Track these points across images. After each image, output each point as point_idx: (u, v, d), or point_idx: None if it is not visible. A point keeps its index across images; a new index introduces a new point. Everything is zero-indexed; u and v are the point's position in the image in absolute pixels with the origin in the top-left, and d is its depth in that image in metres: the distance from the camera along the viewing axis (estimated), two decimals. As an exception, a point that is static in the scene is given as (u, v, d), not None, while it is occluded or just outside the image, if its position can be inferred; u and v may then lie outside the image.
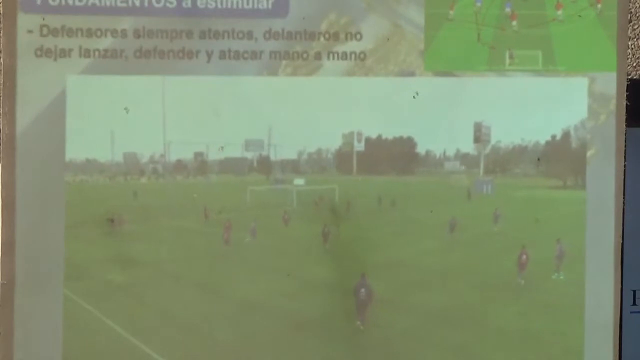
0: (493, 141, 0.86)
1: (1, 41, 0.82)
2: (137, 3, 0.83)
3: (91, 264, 0.83)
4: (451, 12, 0.85)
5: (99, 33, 0.83)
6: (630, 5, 1.24)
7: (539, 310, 0.86)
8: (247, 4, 0.84)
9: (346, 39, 0.85)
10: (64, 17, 0.82)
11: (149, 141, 0.84)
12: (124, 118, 0.83)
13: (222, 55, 0.84)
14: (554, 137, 0.85)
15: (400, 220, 0.86)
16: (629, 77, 1.04)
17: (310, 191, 0.86)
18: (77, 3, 0.83)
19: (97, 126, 0.83)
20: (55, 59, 0.82)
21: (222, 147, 0.84)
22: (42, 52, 0.82)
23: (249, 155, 0.85)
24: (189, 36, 0.83)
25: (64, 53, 0.82)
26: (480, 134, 0.85)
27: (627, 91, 0.86)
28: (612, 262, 0.86)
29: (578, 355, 0.86)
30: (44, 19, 0.82)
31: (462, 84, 0.85)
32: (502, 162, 0.86)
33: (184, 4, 0.83)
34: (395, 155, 0.86)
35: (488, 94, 0.86)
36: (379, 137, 0.85)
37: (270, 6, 0.84)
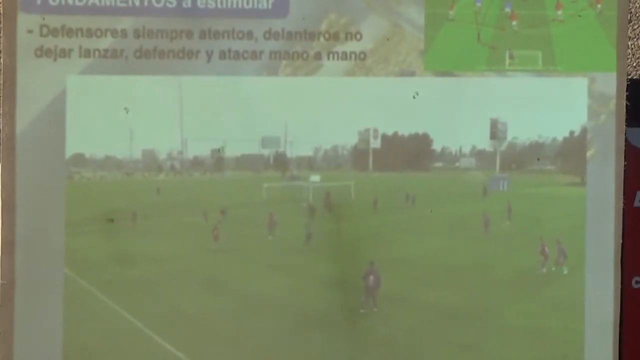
0: (510, 137, 0.86)
1: (1, 41, 0.82)
2: (137, 3, 0.83)
3: (91, 263, 0.83)
4: (451, 12, 0.86)
5: (99, 33, 0.83)
6: (630, 5, 1.24)
7: (550, 307, 0.86)
8: (247, 4, 0.84)
9: (346, 39, 0.85)
10: (64, 17, 0.82)
11: (151, 140, 0.84)
12: (124, 118, 0.83)
13: (222, 55, 0.84)
14: (572, 133, 0.85)
15: (417, 217, 0.86)
16: (629, 77, 1.04)
17: (326, 187, 0.86)
18: (77, 3, 0.83)
19: (97, 126, 0.83)
20: (55, 59, 0.82)
21: (222, 148, 0.84)
22: (42, 52, 0.82)
23: (266, 152, 0.86)
24: (189, 36, 0.83)
25: (64, 53, 0.82)
26: (496, 131, 0.85)
27: (627, 91, 0.86)
28: (612, 261, 0.86)
29: (578, 354, 0.86)
30: (44, 19, 0.82)
31: (462, 84, 0.86)
32: (519, 158, 0.86)
33: (184, 4, 0.83)
34: (411, 152, 0.86)
35: (488, 93, 0.86)
36: (395, 133, 0.85)
37: (270, 6, 0.84)
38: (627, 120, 0.86)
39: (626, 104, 0.86)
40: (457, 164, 0.86)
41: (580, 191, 0.86)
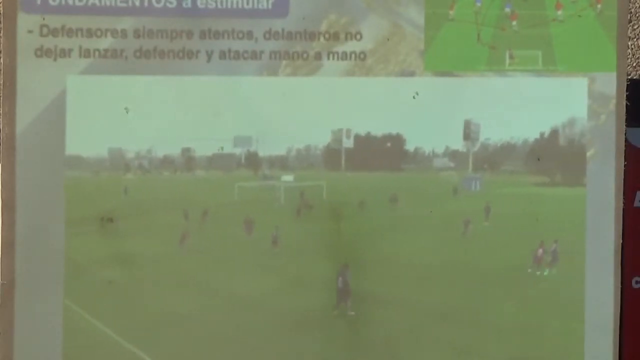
0: (482, 138, 0.86)
1: (1, 41, 0.82)
2: (137, 3, 0.83)
3: (91, 263, 0.83)
4: (451, 12, 0.86)
5: (99, 33, 0.83)
6: (630, 5, 1.24)
7: (535, 306, 0.86)
8: (247, 4, 0.84)
9: (346, 39, 0.85)
10: (64, 17, 0.82)
11: (148, 140, 0.84)
12: (124, 118, 0.83)
13: (222, 55, 0.84)
14: (542, 134, 0.85)
15: (393, 217, 0.86)
16: (629, 77, 1.04)
17: (298, 187, 0.86)
18: (77, 3, 0.83)
19: (97, 126, 0.83)
20: (55, 59, 0.82)
21: (222, 148, 0.84)
22: (42, 52, 0.82)
23: (237, 151, 0.85)
24: (189, 36, 0.83)
25: (64, 53, 0.82)
26: (469, 132, 0.85)
27: (627, 91, 0.86)
28: (612, 261, 0.86)
29: (578, 354, 0.86)
30: (44, 19, 0.82)
31: (463, 84, 0.86)
32: (491, 159, 0.86)
33: (184, 4, 0.83)
34: (383, 152, 0.86)
35: (487, 93, 0.86)
36: (368, 134, 0.85)
37: (270, 6, 0.84)
38: (627, 120, 0.86)
39: (626, 104, 0.86)
40: (430, 164, 0.86)
41: (558, 191, 0.86)
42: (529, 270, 0.86)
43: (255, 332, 0.85)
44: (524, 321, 0.86)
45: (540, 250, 0.86)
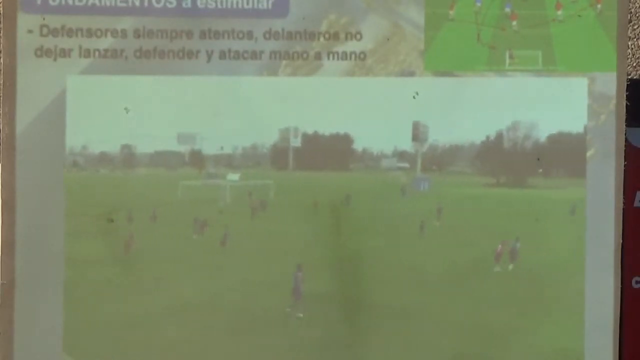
0: (430, 140, 0.86)
1: (1, 41, 0.82)
2: (137, 3, 0.83)
3: (91, 263, 0.83)
4: (451, 12, 0.86)
5: (99, 33, 0.83)
6: (630, 5, 1.24)
7: (497, 303, 0.86)
8: (247, 4, 0.84)
9: (346, 39, 0.85)
10: (64, 17, 0.82)
11: (152, 139, 0.84)
12: (124, 118, 0.83)
13: (222, 55, 0.84)
14: (488, 137, 0.86)
15: (343, 217, 0.86)
16: (629, 77, 1.04)
17: (245, 186, 0.85)
18: (77, 3, 0.83)
19: (97, 126, 0.83)
20: (55, 59, 0.82)
21: (222, 147, 0.84)
22: (42, 52, 0.82)
23: (181, 148, 0.84)
24: (189, 36, 0.83)
25: (64, 53, 0.82)
26: (418, 133, 0.85)
27: (627, 91, 0.86)
28: (612, 262, 0.86)
29: (578, 355, 0.86)
30: (44, 19, 0.82)
31: (463, 84, 0.86)
32: (439, 160, 0.86)
33: (184, 4, 0.83)
34: (331, 152, 0.86)
35: (487, 93, 0.86)
36: (316, 133, 0.85)
37: (270, 6, 0.84)
38: (627, 120, 0.86)
39: (626, 104, 0.86)
40: (378, 165, 0.86)
41: (506, 191, 0.86)
42: (491, 268, 0.86)
43: (207, 334, 0.84)
44: (486, 318, 0.86)
45: (500, 247, 0.86)
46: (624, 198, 0.86)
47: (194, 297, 0.84)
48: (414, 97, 0.85)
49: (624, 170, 0.86)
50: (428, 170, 0.86)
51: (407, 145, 0.86)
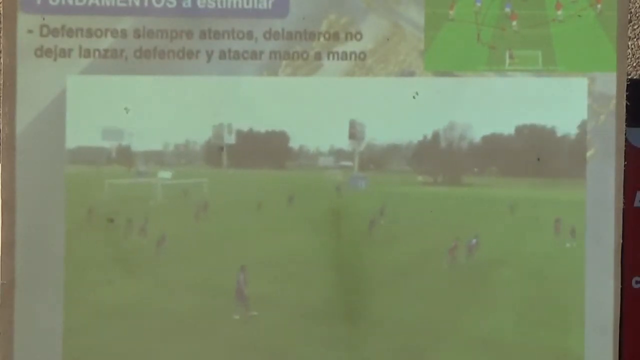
0: (368, 138, 0.85)
1: (1, 41, 0.82)
2: (137, 3, 0.83)
3: (91, 263, 0.83)
4: (451, 12, 0.86)
5: (99, 33, 0.83)
6: (630, 5, 1.24)
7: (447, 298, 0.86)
8: (247, 4, 0.84)
9: (346, 39, 0.85)
10: (64, 17, 0.82)
11: (152, 139, 0.84)
12: (124, 118, 0.83)
13: (222, 55, 0.84)
14: (425, 136, 0.86)
15: (283, 216, 0.85)
16: (629, 77, 1.04)
17: (177, 185, 0.84)
18: (77, 3, 0.83)
19: (97, 126, 0.83)
20: (55, 59, 0.82)
21: (222, 148, 0.84)
22: (42, 52, 0.82)
23: (107, 144, 0.83)
24: (189, 36, 0.83)
25: (64, 53, 0.82)
26: (354, 131, 0.85)
27: (627, 91, 0.86)
28: (612, 262, 0.86)
29: (578, 355, 0.86)
30: (44, 19, 0.82)
31: (463, 84, 0.86)
32: (377, 158, 0.86)
33: (184, 4, 0.83)
34: (267, 149, 0.85)
35: (486, 93, 0.86)
36: (250, 130, 0.84)
37: (270, 6, 0.84)
38: (627, 120, 0.86)
39: (626, 104, 0.86)
40: (315, 163, 0.85)
41: (446, 190, 0.87)
42: (445, 264, 0.86)
43: (153, 337, 0.83)
44: (434, 315, 0.86)
45: (454, 243, 0.86)
46: (624, 198, 0.86)
47: (132, 300, 0.83)
48: (414, 97, 0.85)
49: (624, 170, 0.86)
50: (366, 168, 0.86)
51: (344, 143, 0.85)
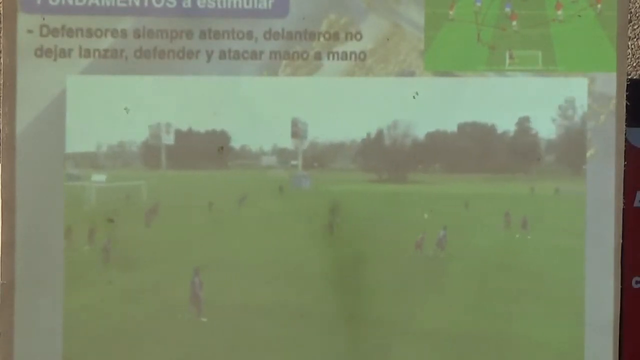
0: (310, 137, 0.85)
1: (1, 41, 0.82)
2: (137, 3, 0.83)
3: (91, 263, 0.83)
4: (451, 12, 0.86)
5: (99, 33, 0.83)
6: (630, 5, 1.24)
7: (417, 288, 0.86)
8: (247, 4, 0.84)
9: (346, 39, 0.85)
10: (64, 17, 0.82)
11: (151, 139, 0.84)
12: (124, 118, 0.83)
13: (222, 55, 0.84)
14: (369, 134, 0.85)
15: (232, 218, 0.84)
16: (629, 77, 1.04)
17: (114, 188, 0.83)
18: (77, 3, 0.83)
19: (97, 126, 0.83)
20: (55, 59, 0.82)
21: (222, 148, 0.84)
22: (42, 52, 0.82)
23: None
24: (189, 36, 0.83)
25: (64, 53, 0.82)
26: (297, 130, 0.85)
27: (627, 91, 0.86)
28: (612, 262, 0.86)
29: (578, 355, 0.86)
30: (44, 19, 0.82)
31: (462, 84, 0.86)
32: (320, 157, 0.86)
33: (184, 4, 0.83)
34: (208, 149, 0.84)
35: (488, 93, 0.86)
36: (190, 130, 0.83)
37: (270, 6, 0.84)
38: (627, 120, 0.86)
39: (626, 104, 0.86)
40: (258, 163, 0.84)
41: (389, 187, 0.87)
42: (412, 258, 0.86)
43: (99, 342, 0.83)
44: (395, 309, 0.86)
45: (421, 237, 0.86)
46: (624, 198, 0.86)
47: (89, 304, 0.83)
48: (413, 97, 0.85)
49: (624, 170, 0.86)
50: (309, 167, 0.86)
51: (287, 142, 0.85)
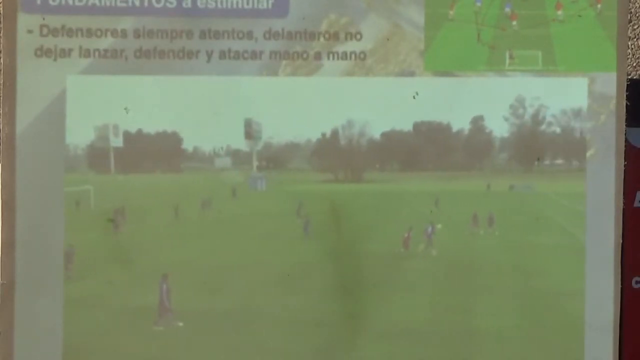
0: (265, 137, 0.84)
1: (1, 41, 0.82)
2: (137, 3, 0.83)
3: (91, 263, 0.83)
4: (451, 12, 0.86)
5: (99, 33, 0.83)
6: (630, 5, 1.24)
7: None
8: (247, 4, 0.84)
9: (346, 39, 0.85)
10: (64, 17, 0.82)
11: (151, 139, 0.84)
12: (124, 118, 0.83)
13: (222, 55, 0.84)
14: (324, 134, 0.85)
15: (195, 222, 0.84)
16: (629, 77, 1.04)
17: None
18: (77, 3, 0.83)
19: (97, 126, 0.83)
20: (55, 59, 0.82)
21: (222, 148, 0.84)
22: (42, 52, 0.82)
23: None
24: (189, 36, 0.83)
25: (64, 53, 0.82)
26: (251, 131, 0.84)
27: (627, 91, 0.86)
28: (612, 262, 0.86)
29: (578, 355, 0.86)
30: (44, 19, 0.82)
31: (463, 84, 0.86)
32: (275, 158, 0.85)
33: (184, 4, 0.83)
34: (159, 152, 0.83)
35: (487, 92, 0.86)
36: (140, 131, 0.82)
37: (270, 6, 0.84)
38: (627, 120, 0.86)
39: (626, 104, 0.86)
40: (211, 165, 0.83)
41: (353, 186, 0.86)
42: (400, 254, 0.86)
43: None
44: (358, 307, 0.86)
45: (407, 234, 0.86)
46: (624, 198, 0.86)
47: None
48: (414, 97, 0.85)
49: (624, 170, 0.86)
50: (264, 168, 0.85)
51: (240, 143, 0.84)
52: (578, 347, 0.86)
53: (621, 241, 0.86)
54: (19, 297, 0.82)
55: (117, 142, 0.82)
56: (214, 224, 0.85)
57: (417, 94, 0.85)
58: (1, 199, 0.82)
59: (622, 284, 0.87)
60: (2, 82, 0.82)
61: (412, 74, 0.85)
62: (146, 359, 0.83)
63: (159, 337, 0.83)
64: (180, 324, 0.83)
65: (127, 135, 0.82)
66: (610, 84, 0.86)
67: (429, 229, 0.86)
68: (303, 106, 0.84)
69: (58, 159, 0.82)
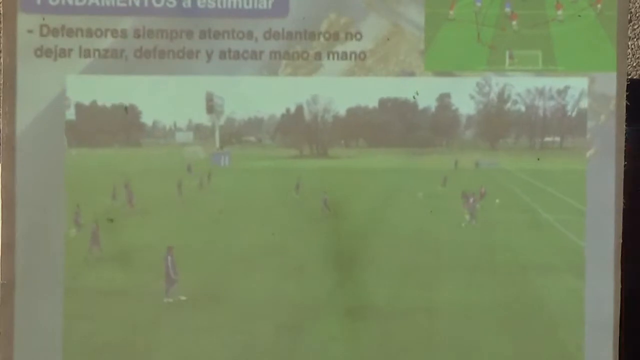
0: (227, 112, 0.83)
1: (1, 41, 0.82)
2: (137, 3, 0.83)
3: (91, 263, 0.83)
4: (451, 12, 0.86)
5: (99, 33, 0.83)
6: (630, 5, 1.24)
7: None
8: (247, 4, 0.84)
9: (346, 39, 0.85)
10: (64, 17, 0.82)
11: (150, 138, 0.84)
12: (124, 118, 0.83)
13: (222, 55, 0.84)
14: (288, 110, 0.84)
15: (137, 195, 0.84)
16: (629, 77, 1.04)
17: None
18: (77, 3, 0.83)
19: (97, 126, 0.83)
20: (55, 59, 0.82)
21: (222, 147, 0.84)
22: (42, 52, 0.82)
23: None
24: (189, 36, 0.83)
25: (64, 53, 0.82)
26: (212, 104, 0.82)
27: (627, 91, 0.86)
28: (612, 262, 0.86)
29: (578, 355, 0.86)
30: (44, 19, 0.82)
31: (462, 84, 0.86)
32: (237, 133, 0.84)
33: (184, 4, 0.83)
34: (116, 126, 0.82)
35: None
36: (94, 103, 0.81)
37: (270, 6, 0.84)
38: (627, 120, 0.86)
39: (626, 104, 0.86)
40: (172, 139, 0.82)
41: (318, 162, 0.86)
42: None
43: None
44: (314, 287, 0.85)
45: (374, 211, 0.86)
46: (624, 198, 0.86)
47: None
48: (414, 97, 0.85)
49: (624, 170, 0.86)
50: (227, 143, 0.84)
51: (202, 118, 0.83)
52: (578, 347, 0.86)
53: (621, 241, 0.86)
54: (19, 297, 0.82)
55: (69, 114, 0.81)
56: (179, 201, 0.84)
57: (417, 93, 0.85)
58: (1, 199, 0.82)
59: (622, 284, 0.87)
60: (2, 82, 0.82)
61: (412, 74, 0.85)
62: (156, 333, 0.84)
63: (168, 307, 0.84)
64: (184, 297, 0.84)
65: (79, 107, 0.81)
66: (610, 84, 0.86)
67: (397, 205, 0.86)
68: (266, 81, 0.84)
69: (58, 158, 0.82)
